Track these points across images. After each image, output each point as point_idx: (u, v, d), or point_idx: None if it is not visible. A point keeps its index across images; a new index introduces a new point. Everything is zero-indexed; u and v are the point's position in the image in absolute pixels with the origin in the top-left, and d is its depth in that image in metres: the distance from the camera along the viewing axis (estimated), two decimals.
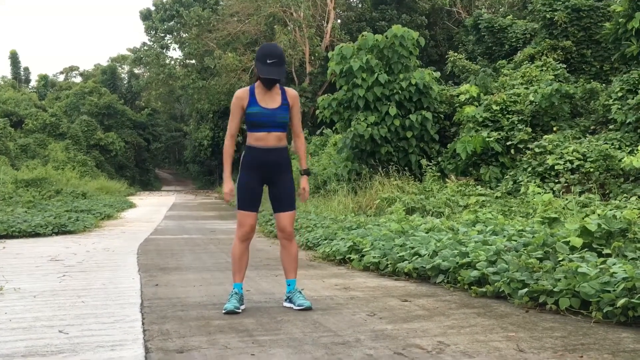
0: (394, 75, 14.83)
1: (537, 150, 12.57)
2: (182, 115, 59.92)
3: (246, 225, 4.45)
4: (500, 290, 4.75)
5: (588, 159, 11.57)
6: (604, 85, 16.07)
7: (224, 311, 4.33)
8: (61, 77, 69.22)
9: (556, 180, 11.59)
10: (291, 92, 4.55)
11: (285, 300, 4.62)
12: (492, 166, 13.57)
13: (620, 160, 11.15)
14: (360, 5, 36.77)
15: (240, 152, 4.62)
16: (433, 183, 13.25)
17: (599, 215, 5.71)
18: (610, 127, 13.31)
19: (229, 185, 4.56)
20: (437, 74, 15.80)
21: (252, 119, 4.42)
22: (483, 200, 11.03)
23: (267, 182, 4.54)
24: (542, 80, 15.75)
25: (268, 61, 4.31)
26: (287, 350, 3.30)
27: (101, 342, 3.53)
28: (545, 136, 13.01)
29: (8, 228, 10.91)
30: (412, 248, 6.37)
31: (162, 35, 42.95)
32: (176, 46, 42.95)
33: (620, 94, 13.37)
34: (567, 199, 9.42)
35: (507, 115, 14.23)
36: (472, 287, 5.03)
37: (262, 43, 32.88)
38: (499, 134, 13.75)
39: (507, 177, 12.92)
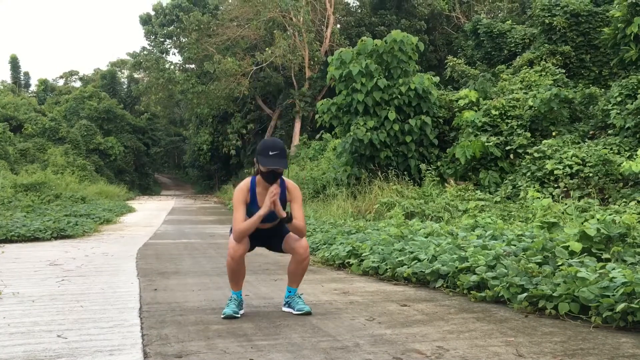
0: (393, 80, 14.85)
1: (536, 155, 12.58)
2: (182, 119, 59.88)
3: (236, 254, 4.32)
4: (499, 295, 4.75)
5: (587, 164, 11.58)
6: (603, 90, 16.10)
7: (222, 316, 4.32)
8: (61, 82, 69.16)
9: (555, 185, 11.59)
10: (291, 186, 4.50)
11: (285, 304, 4.62)
12: (491, 171, 13.57)
13: (619, 165, 11.16)
14: (359, 10, 36.81)
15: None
16: (432, 188, 13.26)
17: (598, 220, 5.71)
18: (609, 132, 13.32)
19: (266, 207, 4.27)
20: (437, 79, 15.83)
21: (251, 213, 4.39)
22: (482, 205, 11.03)
23: (262, 245, 4.66)
24: (541, 85, 15.77)
25: (270, 153, 4.24)
26: (286, 355, 3.30)
27: (100, 346, 3.52)
28: (545, 141, 13.02)
29: (7, 232, 10.91)
30: (411, 253, 6.37)
31: (162, 39, 42.93)
32: (176, 51, 42.92)
33: (619, 99, 13.38)
34: (566, 204, 9.42)
35: (506, 120, 14.24)
36: (471, 292, 5.02)
37: (261, 48, 32.99)
38: (498, 138, 13.76)
39: (506, 181, 12.92)
